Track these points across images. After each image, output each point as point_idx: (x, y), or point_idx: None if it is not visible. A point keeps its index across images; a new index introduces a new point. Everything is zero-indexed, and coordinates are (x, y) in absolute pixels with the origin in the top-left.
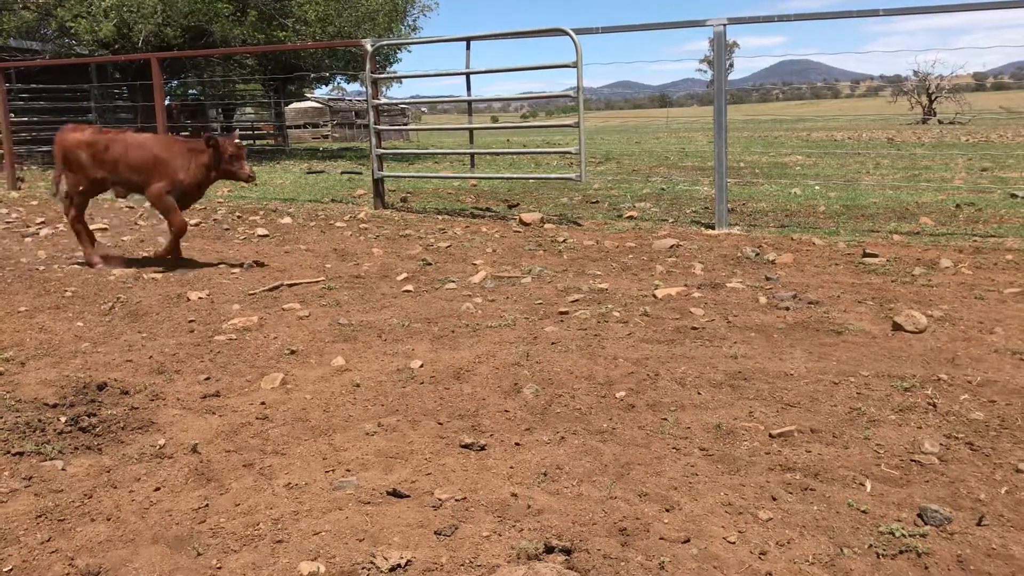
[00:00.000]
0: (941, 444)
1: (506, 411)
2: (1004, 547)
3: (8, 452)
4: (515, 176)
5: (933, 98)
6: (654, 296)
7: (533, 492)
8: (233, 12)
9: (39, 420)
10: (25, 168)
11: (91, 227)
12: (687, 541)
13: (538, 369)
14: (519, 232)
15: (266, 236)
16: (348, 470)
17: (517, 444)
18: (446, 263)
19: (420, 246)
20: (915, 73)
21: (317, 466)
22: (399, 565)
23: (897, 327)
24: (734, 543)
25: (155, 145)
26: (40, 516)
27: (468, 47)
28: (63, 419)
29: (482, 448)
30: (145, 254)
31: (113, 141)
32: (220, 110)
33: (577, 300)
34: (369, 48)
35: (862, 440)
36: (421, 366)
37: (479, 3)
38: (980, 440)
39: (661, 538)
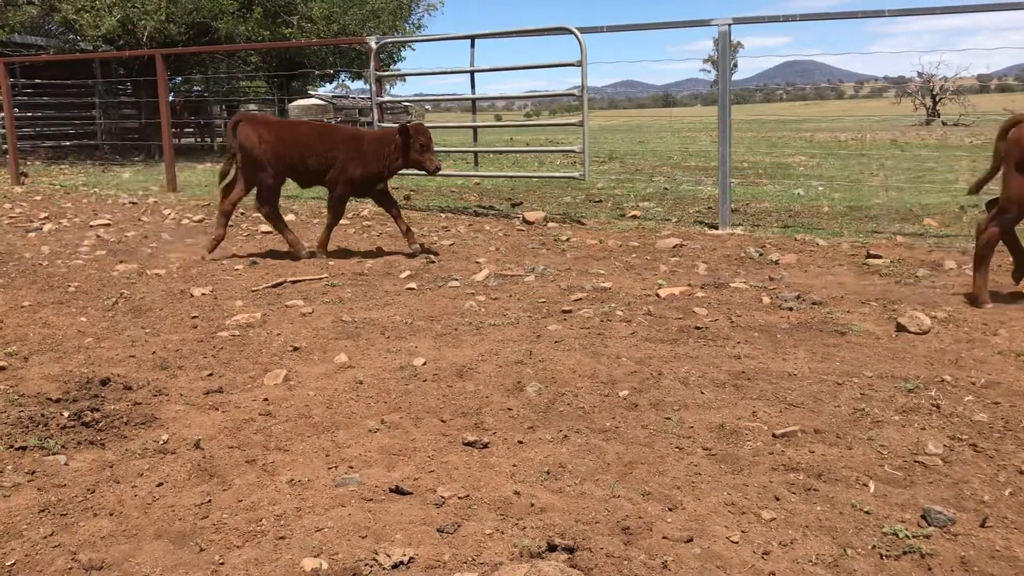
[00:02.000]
0: (945, 445)
1: (509, 409)
2: (1008, 549)
3: (11, 447)
4: (519, 175)
5: (937, 100)
6: (657, 295)
7: (536, 490)
8: (238, 9)
9: (42, 415)
10: (29, 163)
11: (94, 222)
12: (690, 540)
13: (541, 367)
14: (522, 231)
15: (269, 232)
16: (351, 467)
17: (520, 442)
18: (449, 261)
19: (423, 244)
20: (919, 74)
21: (320, 463)
22: (401, 562)
23: (901, 328)
24: (737, 543)
25: None
26: (43, 510)
27: (472, 45)
28: (66, 414)
29: (485, 446)
30: None
31: None
32: (224, 107)
33: (580, 299)
34: (373, 45)
35: (865, 441)
36: (424, 364)
37: (484, 1)
38: (984, 442)
39: (664, 537)
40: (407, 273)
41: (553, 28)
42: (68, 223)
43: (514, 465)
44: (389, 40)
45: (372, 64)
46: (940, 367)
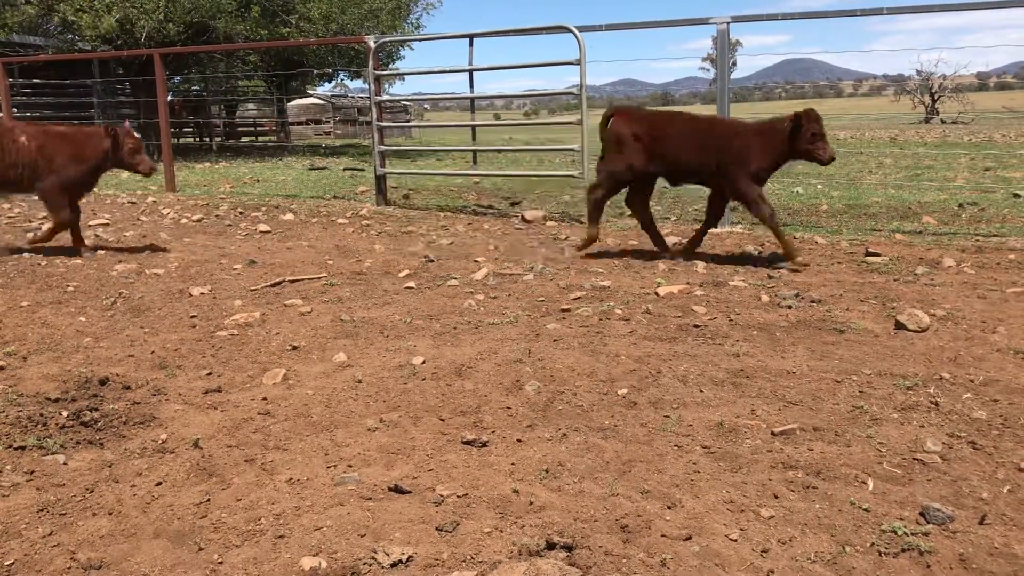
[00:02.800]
0: (943, 443)
1: (508, 408)
2: (1006, 546)
3: (10, 446)
4: (517, 174)
5: (936, 97)
6: (656, 294)
7: (535, 489)
8: (236, 8)
9: (41, 414)
10: None
11: (93, 222)
12: (689, 538)
13: (540, 366)
14: (521, 229)
15: (268, 232)
16: (350, 466)
17: (519, 441)
18: (448, 260)
19: (422, 243)
20: (918, 72)
21: (319, 462)
22: (400, 561)
23: (899, 326)
24: (736, 541)
25: None
26: (42, 510)
27: (471, 44)
28: (65, 413)
29: (484, 445)
30: None
31: None
32: (223, 106)
33: (579, 297)
34: (372, 44)
35: (864, 438)
36: (423, 363)
37: (482, 1)
38: (982, 439)
39: (663, 535)
40: (406, 272)
41: (552, 27)
42: None
43: (513, 464)
44: (388, 39)
45: (371, 63)
46: (939, 365)
